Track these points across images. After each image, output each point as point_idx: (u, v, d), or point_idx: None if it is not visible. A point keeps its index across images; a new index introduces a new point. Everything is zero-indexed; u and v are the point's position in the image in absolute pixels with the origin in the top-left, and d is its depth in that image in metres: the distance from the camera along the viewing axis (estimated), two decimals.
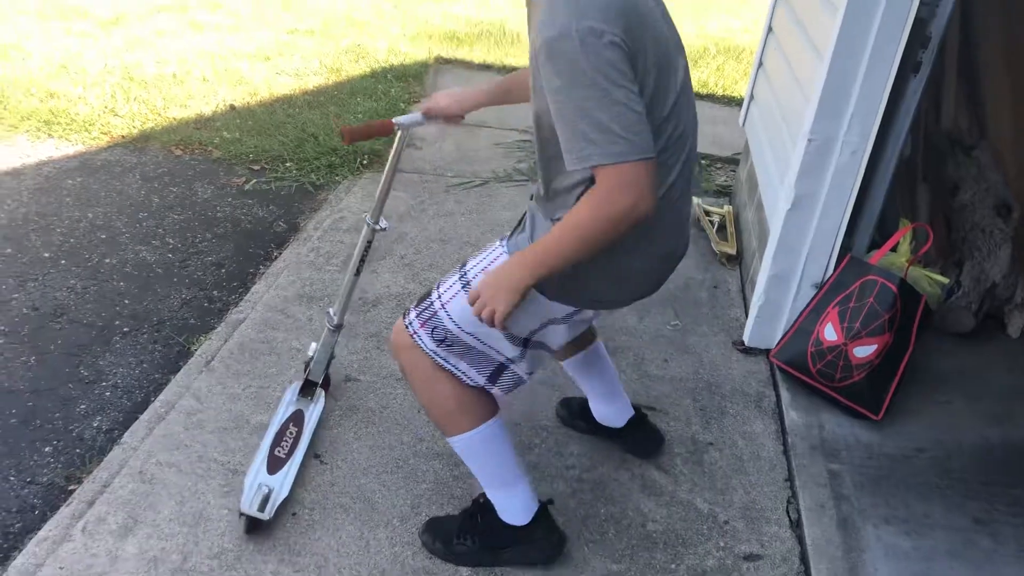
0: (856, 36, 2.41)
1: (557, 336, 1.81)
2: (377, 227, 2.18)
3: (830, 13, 2.55)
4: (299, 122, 4.25)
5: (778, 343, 2.72)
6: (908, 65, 2.49)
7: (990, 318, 3.03)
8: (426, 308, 1.80)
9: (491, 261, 1.76)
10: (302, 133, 4.14)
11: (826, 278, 2.65)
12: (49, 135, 3.96)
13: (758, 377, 2.74)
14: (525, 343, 1.79)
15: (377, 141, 3.87)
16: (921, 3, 2.38)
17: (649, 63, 1.50)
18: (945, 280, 2.72)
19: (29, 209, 3.39)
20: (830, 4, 2.60)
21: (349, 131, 2.07)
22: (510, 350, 1.79)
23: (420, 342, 1.80)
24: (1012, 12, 3.23)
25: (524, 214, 1.82)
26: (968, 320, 2.89)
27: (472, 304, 1.64)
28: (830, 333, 2.54)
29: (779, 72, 3.30)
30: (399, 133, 2.11)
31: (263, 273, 3.11)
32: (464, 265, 1.81)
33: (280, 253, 3.27)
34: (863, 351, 2.48)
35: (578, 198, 1.57)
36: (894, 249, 2.66)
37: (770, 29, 3.62)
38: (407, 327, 1.82)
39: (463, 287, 1.76)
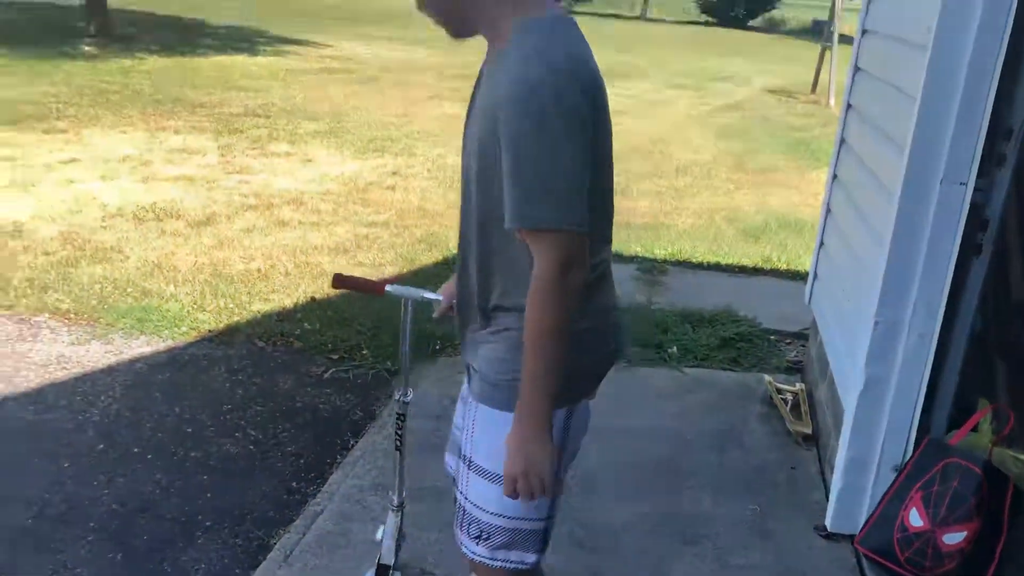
0: (914, 222, 2.48)
1: (570, 456, 1.77)
2: (403, 399, 2.20)
3: (886, 199, 2.63)
4: (374, 311, 4.43)
5: (862, 528, 2.64)
6: (969, 248, 2.53)
7: None
8: (460, 515, 1.77)
9: (483, 432, 1.69)
10: (377, 321, 4.31)
11: (906, 461, 2.60)
12: (142, 332, 4.19)
13: (844, 565, 2.65)
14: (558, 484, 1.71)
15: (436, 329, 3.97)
16: (975, 189, 2.45)
17: (606, 127, 1.57)
18: None
19: (121, 405, 3.55)
20: (884, 190, 2.68)
21: (340, 278, 2.16)
22: (546, 506, 1.72)
23: (470, 552, 1.76)
24: None
25: (467, 366, 1.80)
26: None
27: (515, 496, 1.60)
28: (916, 519, 2.46)
29: (840, 253, 3.37)
30: (407, 304, 2.11)
31: (340, 463, 3.18)
32: (465, 454, 1.74)
33: (356, 442, 3.35)
34: (953, 538, 2.40)
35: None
36: (975, 429, 2.61)
37: (828, 210, 3.72)
38: (460, 546, 1.79)
39: (476, 473, 1.72)
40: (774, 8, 38.60)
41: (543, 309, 1.51)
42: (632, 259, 5.61)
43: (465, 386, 1.86)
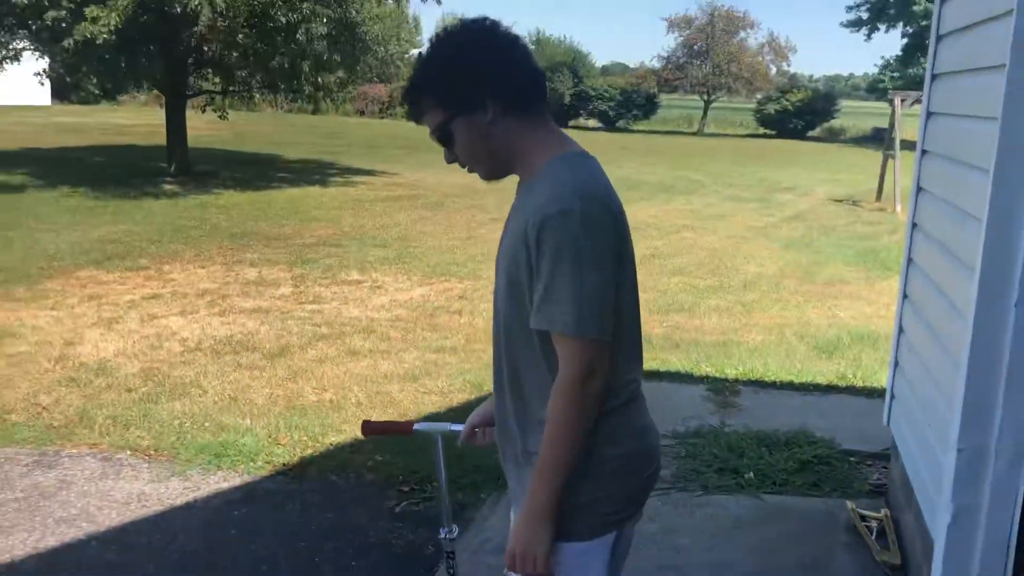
0: (991, 346, 2.42)
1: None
2: (447, 537, 2.21)
3: (959, 322, 2.58)
4: (447, 440, 4.43)
5: None
6: None
7: None
8: None
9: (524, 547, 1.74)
10: (449, 451, 4.31)
11: None
12: (219, 467, 4.27)
13: None
14: None
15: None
16: None
17: (629, 252, 1.73)
18: None
19: (199, 544, 3.59)
20: (957, 313, 2.64)
21: (369, 426, 2.18)
22: None
23: None
24: None
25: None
26: None
27: (515, 570, 1.71)
28: None
29: (916, 374, 3.29)
30: (436, 440, 2.18)
31: None
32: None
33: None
34: None
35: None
36: None
37: (901, 328, 3.66)
38: None
39: None
40: (833, 118, 38.92)
41: (565, 410, 1.66)
42: (702, 379, 5.55)
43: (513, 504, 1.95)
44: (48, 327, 6.43)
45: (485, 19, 1.80)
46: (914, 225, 3.56)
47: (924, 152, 3.49)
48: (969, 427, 2.47)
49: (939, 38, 3.43)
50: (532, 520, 1.71)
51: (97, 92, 15.47)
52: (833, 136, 37.52)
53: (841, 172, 21.06)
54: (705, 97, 42.68)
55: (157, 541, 3.61)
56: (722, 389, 5.33)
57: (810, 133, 37.56)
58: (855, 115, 43.61)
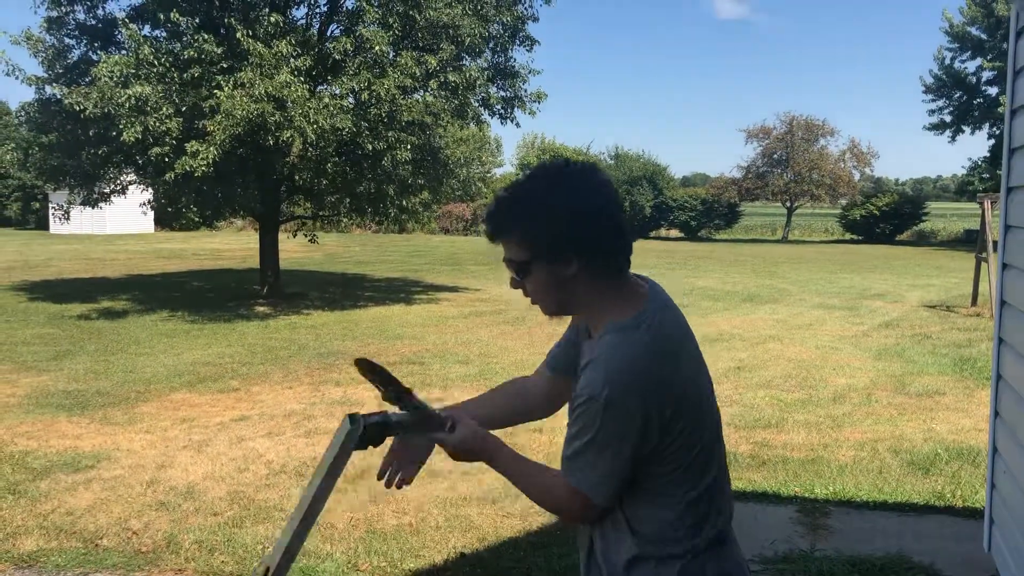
0: None
1: None
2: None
3: None
4: (525, 565, 4.37)
5: None
6: None
7: None
8: None
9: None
10: None
11: None
12: None
13: None
14: None
15: None
16: None
17: (681, 423, 1.75)
18: None
19: None
20: None
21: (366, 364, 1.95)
22: None
23: None
24: None
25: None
26: None
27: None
28: None
29: (1016, 498, 3.13)
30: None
31: None
32: None
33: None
34: None
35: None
36: None
37: (995, 448, 3.50)
38: None
39: None
40: (922, 221, 38.22)
41: (547, 495, 1.86)
42: (791, 499, 5.36)
43: None
44: (142, 451, 6.64)
45: (586, 163, 1.82)
46: (1001, 340, 3.45)
47: (1005, 266, 3.42)
48: None
49: (1012, 151, 3.40)
50: (476, 449, 1.89)
51: (197, 219, 16.31)
52: (923, 239, 36.77)
53: (933, 277, 20.53)
54: (788, 204, 42.51)
55: None
56: (811, 510, 5.13)
57: (899, 237, 36.90)
58: (945, 217, 42.77)
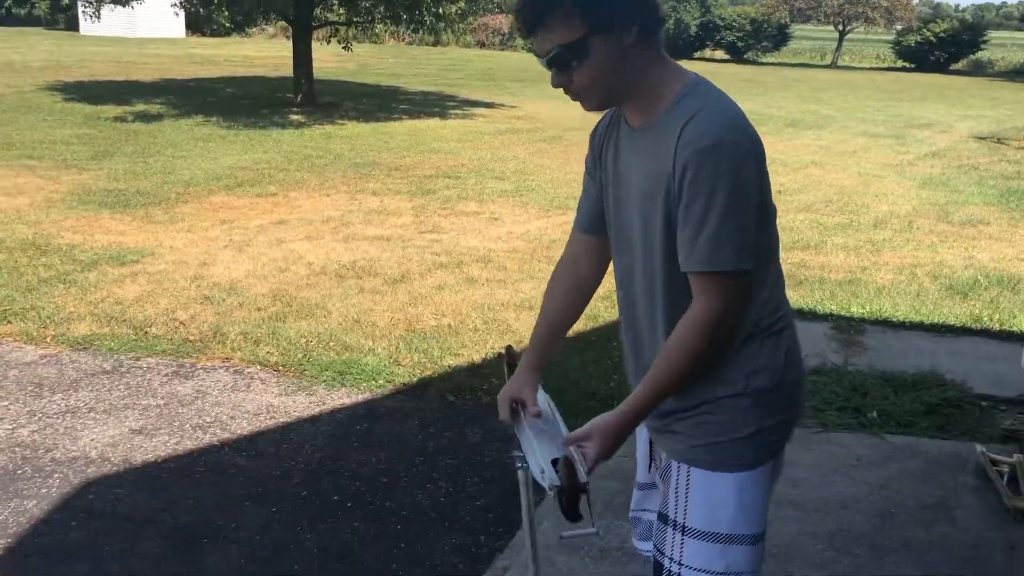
0: None
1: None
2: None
3: None
4: (562, 368, 4.48)
5: None
6: None
7: None
8: None
9: (698, 495, 1.74)
10: (564, 380, 4.35)
11: None
12: (343, 384, 4.43)
13: None
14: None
15: None
16: None
17: (768, 182, 1.65)
18: None
19: (324, 454, 3.76)
20: None
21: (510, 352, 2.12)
22: (759, 557, 1.77)
23: None
24: None
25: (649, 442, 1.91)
26: None
27: (572, 443, 1.70)
28: None
29: None
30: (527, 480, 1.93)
31: None
32: (677, 522, 1.77)
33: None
34: None
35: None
36: None
37: None
38: None
39: (695, 538, 1.75)
40: (980, 50, 36.48)
41: (699, 344, 1.63)
42: (827, 317, 5.39)
43: (643, 472, 1.99)
44: (184, 248, 6.76)
45: None
46: None
47: None
48: None
49: None
50: (625, 427, 1.69)
51: (228, 25, 15.90)
52: (979, 69, 35.20)
53: (986, 108, 19.79)
54: (840, 28, 40.61)
55: (284, 450, 3.80)
56: (847, 328, 5.17)
57: (954, 66, 35.35)
58: (1005, 47, 40.74)
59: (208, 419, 4.06)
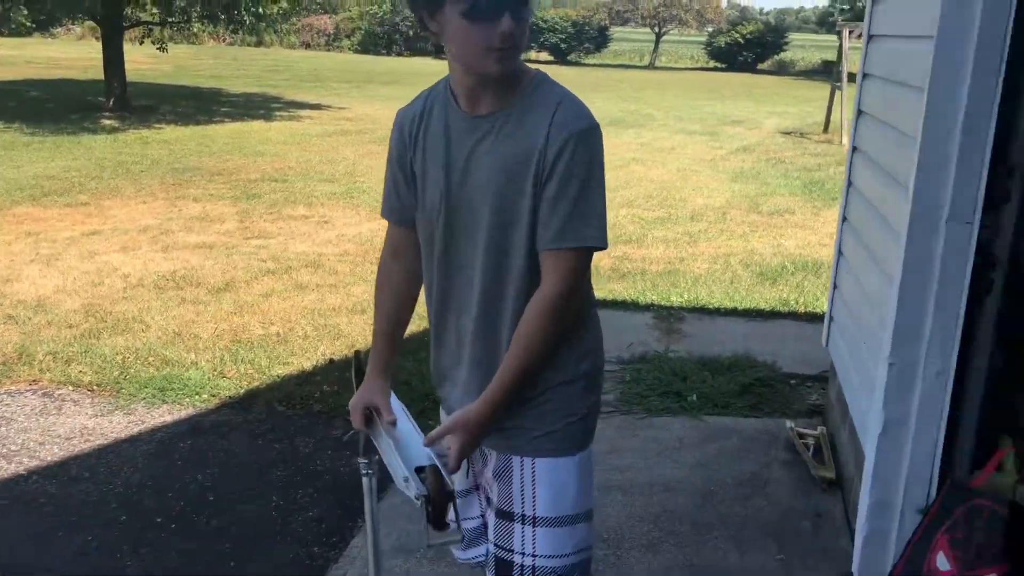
0: (923, 262, 2.48)
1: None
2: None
3: (894, 240, 2.63)
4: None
5: (889, 574, 2.60)
6: (980, 285, 2.52)
7: None
8: None
9: (544, 483, 1.79)
10: (397, 384, 4.32)
11: (930, 504, 2.57)
12: (164, 401, 4.23)
13: None
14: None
15: None
16: (982, 226, 2.45)
17: None
18: None
19: (144, 475, 3.58)
20: (892, 231, 2.69)
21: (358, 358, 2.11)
22: (592, 530, 1.89)
23: None
24: None
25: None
26: None
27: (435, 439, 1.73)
28: (943, 563, 2.42)
29: (854, 295, 3.36)
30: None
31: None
32: (524, 515, 1.80)
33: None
34: None
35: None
36: (999, 469, 2.57)
37: (840, 252, 3.72)
38: None
39: (546, 526, 1.79)
40: (783, 51, 38.95)
41: (549, 325, 1.68)
42: (648, 307, 5.62)
43: (460, 479, 1.92)
44: None
45: None
46: (854, 149, 3.60)
47: (865, 76, 3.52)
48: (900, 342, 2.53)
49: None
50: (487, 419, 1.71)
51: (29, 24, 14.78)
52: (783, 69, 37.58)
53: (790, 105, 21.15)
54: (656, 30, 42.39)
55: (101, 474, 3.58)
56: (667, 316, 5.40)
57: (760, 66, 37.59)
58: (805, 48, 43.69)
59: (13, 447, 3.78)
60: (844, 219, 3.66)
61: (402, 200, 1.91)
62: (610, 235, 1.74)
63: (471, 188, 1.74)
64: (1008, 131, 2.43)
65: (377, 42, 37.82)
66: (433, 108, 1.80)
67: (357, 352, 2.14)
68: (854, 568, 2.76)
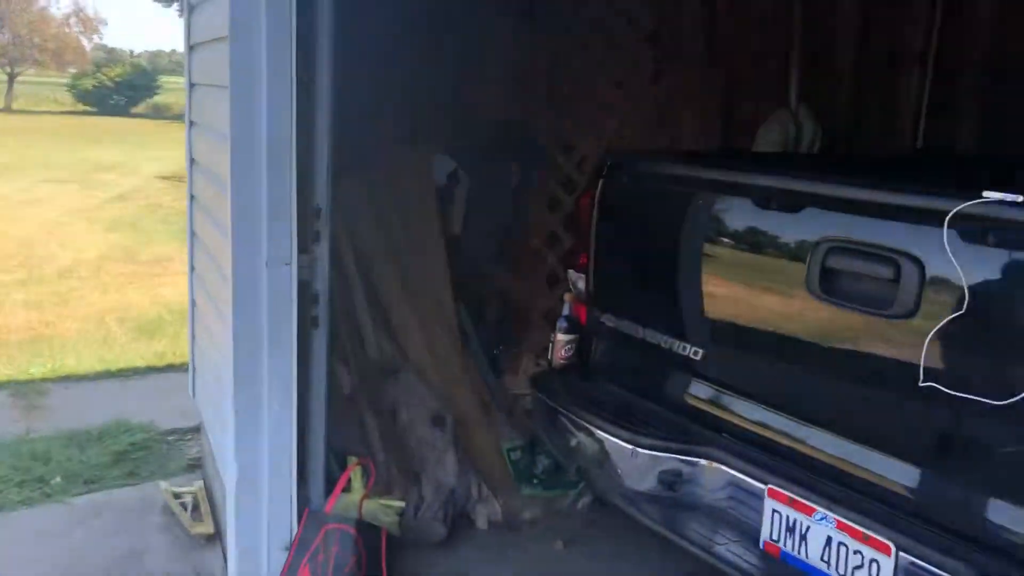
0: (251, 304, 2.53)
1: None
2: None
3: (225, 285, 2.64)
4: None
5: None
6: (307, 321, 2.66)
7: (463, 517, 3.26)
8: None
9: None
10: None
11: (293, 538, 2.63)
12: None
13: None
14: None
15: None
16: (300, 267, 2.59)
17: None
18: (400, 503, 2.87)
19: None
20: (224, 277, 2.69)
21: None
22: None
23: None
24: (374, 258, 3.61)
25: None
26: (440, 529, 3.07)
27: None
28: None
29: (206, 343, 3.34)
30: None
31: None
32: None
33: None
34: None
35: None
36: (347, 489, 2.74)
37: (193, 302, 3.68)
38: None
39: None
40: (156, 94, 38.25)
41: None
42: (4, 385, 4.95)
43: None
44: None
45: None
46: (192, 197, 3.58)
47: (192, 123, 3.52)
48: (243, 381, 2.56)
49: (191, 8, 3.46)
50: None
51: None
52: (159, 113, 36.90)
53: (167, 149, 20.75)
54: (8, 71, 38.39)
55: None
56: (27, 392, 4.81)
57: (134, 110, 36.40)
58: (179, 91, 43.53)
59: None
60: (192, 268, 3.63)
61: None
62: None
63: None
64: (309, 175, 2.60)
65: None
66: None
67: None
68: None
